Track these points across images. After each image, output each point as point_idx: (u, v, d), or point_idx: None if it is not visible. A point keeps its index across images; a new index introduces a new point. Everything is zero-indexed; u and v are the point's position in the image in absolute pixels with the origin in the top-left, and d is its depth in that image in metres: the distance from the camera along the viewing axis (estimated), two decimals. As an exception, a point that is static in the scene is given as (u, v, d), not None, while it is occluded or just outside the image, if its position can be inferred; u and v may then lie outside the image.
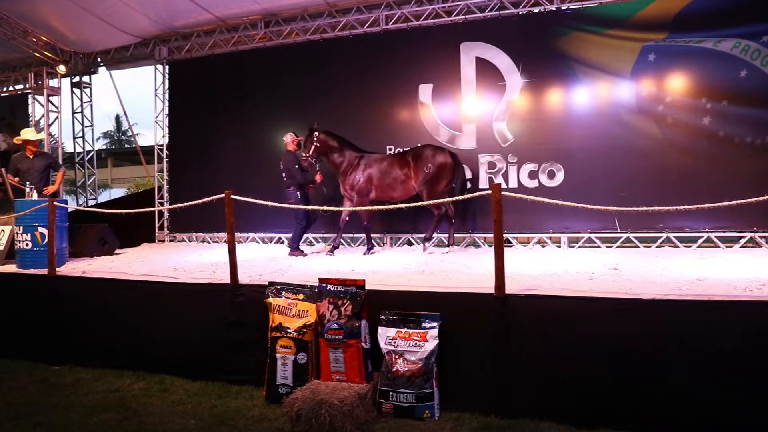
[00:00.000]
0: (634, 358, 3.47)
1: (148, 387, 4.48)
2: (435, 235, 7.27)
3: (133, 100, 13.74)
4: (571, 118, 7.20)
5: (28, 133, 7.21)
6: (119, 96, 11.28)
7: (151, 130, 9.91)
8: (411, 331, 3.85)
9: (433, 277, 5.00)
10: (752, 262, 5.16)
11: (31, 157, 7.08)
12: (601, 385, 3.52)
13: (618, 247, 6.87)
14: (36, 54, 9.75)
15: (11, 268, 6.16)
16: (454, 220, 7.09)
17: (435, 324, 3.83)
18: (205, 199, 5.14)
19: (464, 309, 3.92)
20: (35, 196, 6.56)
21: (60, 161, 9.71)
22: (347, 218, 7.08)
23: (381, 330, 3.93)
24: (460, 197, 6.23)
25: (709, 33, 6.56)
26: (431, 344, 3.78)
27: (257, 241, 8.84)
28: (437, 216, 6.92)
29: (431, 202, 6.12)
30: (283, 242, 8.67)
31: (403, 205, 5.19)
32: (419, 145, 7.23)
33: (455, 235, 7.20)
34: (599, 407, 3.51)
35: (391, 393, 3.80)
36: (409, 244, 7.89)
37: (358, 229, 8.08)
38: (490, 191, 3.89)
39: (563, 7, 7.21)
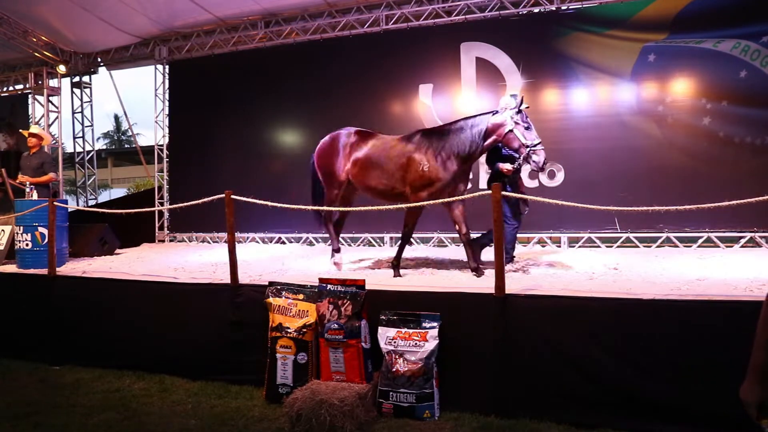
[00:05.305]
0: (634, 358, 3.47)
1: (148, 387, 4.48)
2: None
3: (133, 100, 13.78)
4: (571, 118, 7.20)
5: (33, 126, 7.34)
6: (119, 96, 11.37)
7: (151, 130, 9.94)
8: (411, 331, 3.85)
9: (433, 277, 5.00)
10: (752, 262, 5.16)
11: (30, 154, 7.07)
12: (601, 385, 3.52)
13: (618, 247, 6.87)
14: (36, 54, 9.75)
15: (11, 268, 6.15)
16: None
17: (435, 324, 3.83)
18: (205, 199, 5.14)
19: (464, 309, 3.92)
20: (35, 196, 6.55)
21: (60, 162, 9.69)
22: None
23: (381, 330, 3.93)
24: (463, 197, 5.88)
25: (709, 33, 6.57)
26: (431, 344, 3.78)
27: (257, 241, 8.83)
28: None
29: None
30: (283, 242, 8.67)
31: (404, 206, 5.15)
32: None
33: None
34: (599, 407, 3.51)
35: (391, 393, 3.80)
36: (409, 243, 7.86)
37: (358, 230, 8.08)
38: (490, 191, 3.89)
39: (563, 7, 7.21)
